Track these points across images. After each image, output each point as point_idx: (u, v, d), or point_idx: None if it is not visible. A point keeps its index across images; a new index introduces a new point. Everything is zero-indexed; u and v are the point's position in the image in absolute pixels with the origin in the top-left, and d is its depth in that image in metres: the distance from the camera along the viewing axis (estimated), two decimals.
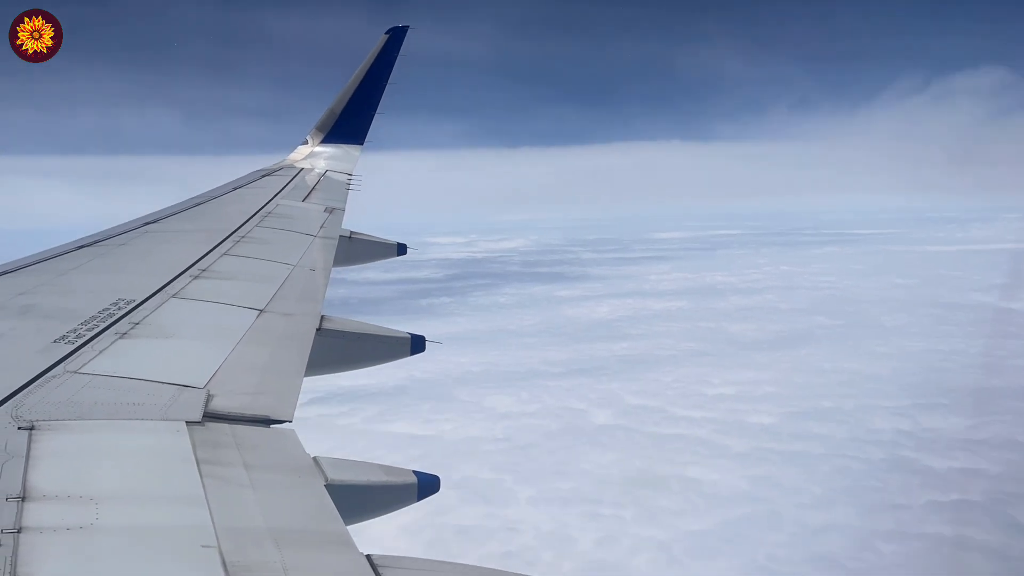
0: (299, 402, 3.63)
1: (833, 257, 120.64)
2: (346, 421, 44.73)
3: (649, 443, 41.36)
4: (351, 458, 3.34)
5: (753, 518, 33.18)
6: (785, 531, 32.08)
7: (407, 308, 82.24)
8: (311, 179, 11.29)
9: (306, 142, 13.12)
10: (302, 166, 12.17)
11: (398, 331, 5.52)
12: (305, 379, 4.02)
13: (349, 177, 11.83)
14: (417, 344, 5.46)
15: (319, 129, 13.14)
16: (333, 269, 6.81)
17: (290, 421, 3.43)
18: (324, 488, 2.86)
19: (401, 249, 9.28)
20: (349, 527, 2.61)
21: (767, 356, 57.71)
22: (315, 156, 12.70)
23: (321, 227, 8.18)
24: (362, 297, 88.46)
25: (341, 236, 8.21)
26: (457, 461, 38.55)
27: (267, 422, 3.37)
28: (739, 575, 29.59)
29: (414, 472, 3.66)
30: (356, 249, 8.67)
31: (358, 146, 12.99)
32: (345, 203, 10.01)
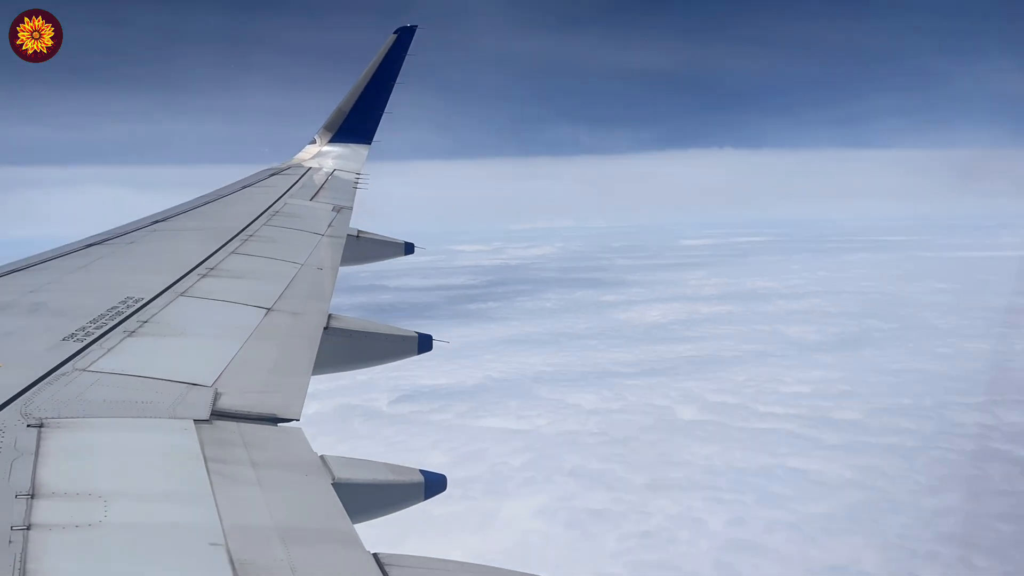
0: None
1: (867, 263, 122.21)
2: (439, 417, 46.93)
3: (743, 436, 43.09)
4: (360, 456, 3.34)
5: (871, 503, 34.84)
6: (906, 513, 33.63)
7: (457, 313, 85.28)
8: (319, 178, 11.31)
9: (314, 141, 13.15)
10: (310, 165, 12.20)
11: (405, 330, 5.52)
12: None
13: (357, 176, 11.85)
14: (424, 343, 5.47)
15: (327, 128, 13.17)
16: (346, 268, 6.83)
17: (297, 420, 3.43)
18: (331, 486, 2.87)
19: (408, 248, 9.28)
20: (357, 525, 2.62)
21: (831, 357, 59.19)
22: (323, 155, 12.73)
23: (329, 226, 8.20)
24: (411, 302, 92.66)
25: (349, 235, 8.22)
26: (563, 452, 40.86)
27: (274, 420, 3.38)
28: (877, 552, 31.00)
29: (421, 471, 3.66)
30: (364, 248, 8.68)
31: (366, 145, 13.01)
32: (353, 202, 10.03)
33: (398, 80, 12.78)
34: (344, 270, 7.10)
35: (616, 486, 36.94)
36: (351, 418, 46.78)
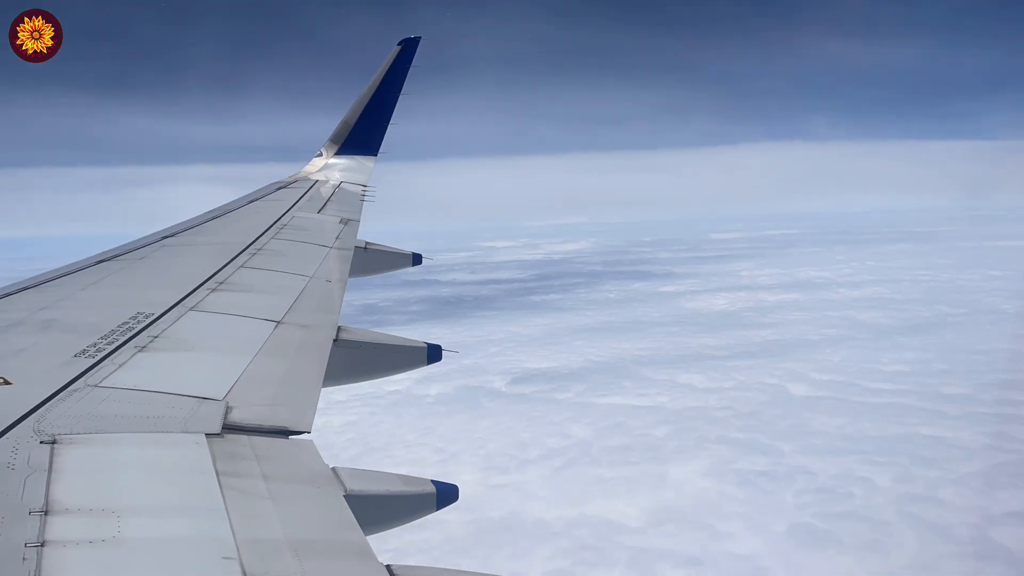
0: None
1: (911, 253, 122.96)
2: (561, 396, 48.96)
3: (865, 410, 44.19)
4: (374, 468, 3.34)
5: (1018, 462, 35.97)
6: None
7: (523, 304, 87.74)
8: (326, 191, 11.35)
9: (320, 154, 13.20)
10: (317, 178, 12.24)
11: (414, 340, 5.53)
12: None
13: (364, 188, 11.89)
14: (434, 353, 5.47)
15: (333, 141, 13.22)
16: (350, 279, 6.84)
17: (308, 432, 3.43)
18: (343, 498, 2.87)
19: (416, 259, 9.29)
20: (369, 537, 2.62)
21: (915, 340, 60.12)
22: (329, 168, 12.77)
23: (337, 238, 8.22)
24: (472, 295, 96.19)
25: (356, 247, 8.24)
26: (699, 424, 42.49)
27: (286, 433, 3.38)
28: None
29: (432, 481, 3.65)
30: (372, 259, 8.70)
31: (372, 157, 13.04)
32: (360, 214, 10.05)
33: (403, 91, 12.83)
34: (355, 282, 7.13)
35: (769, 451, 38.66)
36: (477, 398, 49.17)
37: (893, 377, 50.09)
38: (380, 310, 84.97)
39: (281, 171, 13.02)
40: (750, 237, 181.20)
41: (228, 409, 3.42)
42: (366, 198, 11.30)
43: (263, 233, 7.77)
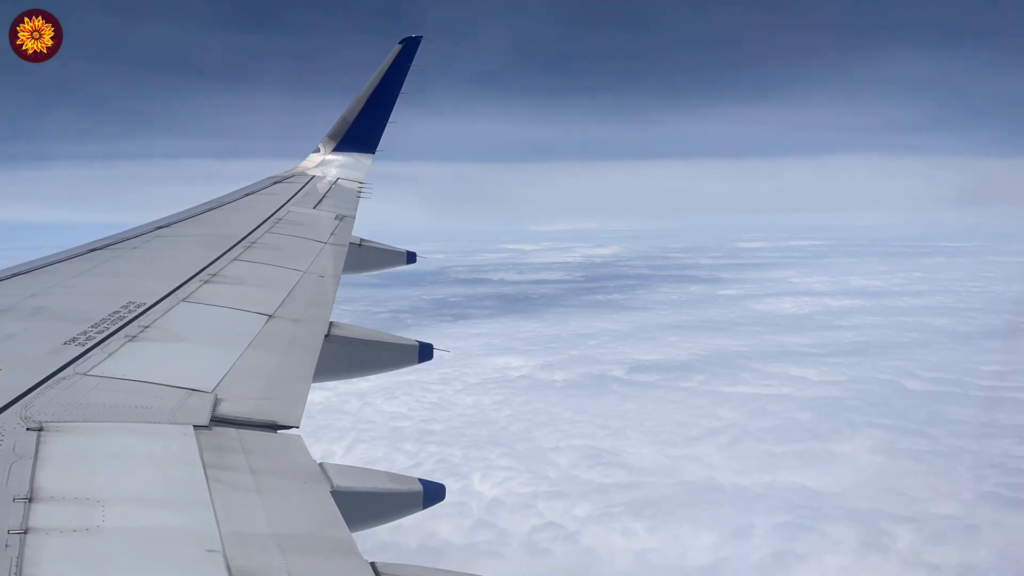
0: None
1: (952, 266, 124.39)
2: (686, 384, 50.54)
3: (990, 402, 45.00)
4: (361, 465, 3.33)
5: None
6: None
7: (590, 303, 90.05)
8: (322, 187, 11.34)
9: (318, 150, 13.19)
10: (313, 173, 12.23)
11: (406, 339, 5.52)
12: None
13: (360, 185, 11.88)
14: (425, 352, 5.46)
15: (331, 137, 13.21)
16: (344, 276, 6.83)
17: (297, 427, 3.42)
18: (330, 494, 2.86)
19: (410, 257, 9.28)
20: (355, 533, 2.61)
21: (1004, 344, 60.95)
22: (327, 164, 12.76)
23: (331, 234, 8.21)
24: (538, 293, 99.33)
25: (351, 243, 8.23)
26: (840, 412, 43.56)
27: (274, 427, 3.37)
28: None
29: (420, 480, 3.65)
30: (366, 256, 8.69)
31: (369, 155, 13.05)
32: (356, 211, 10.04)
33: (402, 91, 12.83)
34: (349, 278, 7.12)
35: (922, 435, 39.77)
36: (605, 384, 50.56)
37: (998, 375, 51.34)
38: (454, 304, 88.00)
39: (278, 166, 13.01)
40: (778, 247, 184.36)
41: (217, 401, 3.41)
42: (363, 195, 11.29)
43: (258, 227, 7.75)
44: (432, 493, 3.63)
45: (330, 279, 6.36)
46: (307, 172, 12.33)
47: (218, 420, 3.25)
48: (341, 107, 13.51)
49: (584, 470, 37.25)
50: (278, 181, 11.47)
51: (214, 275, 5.64)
